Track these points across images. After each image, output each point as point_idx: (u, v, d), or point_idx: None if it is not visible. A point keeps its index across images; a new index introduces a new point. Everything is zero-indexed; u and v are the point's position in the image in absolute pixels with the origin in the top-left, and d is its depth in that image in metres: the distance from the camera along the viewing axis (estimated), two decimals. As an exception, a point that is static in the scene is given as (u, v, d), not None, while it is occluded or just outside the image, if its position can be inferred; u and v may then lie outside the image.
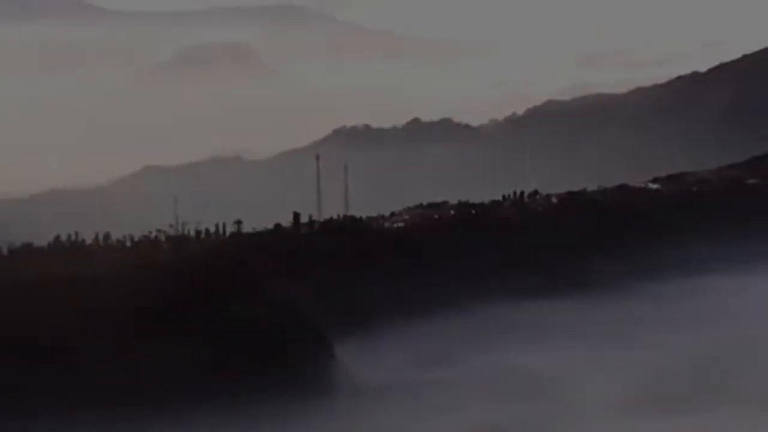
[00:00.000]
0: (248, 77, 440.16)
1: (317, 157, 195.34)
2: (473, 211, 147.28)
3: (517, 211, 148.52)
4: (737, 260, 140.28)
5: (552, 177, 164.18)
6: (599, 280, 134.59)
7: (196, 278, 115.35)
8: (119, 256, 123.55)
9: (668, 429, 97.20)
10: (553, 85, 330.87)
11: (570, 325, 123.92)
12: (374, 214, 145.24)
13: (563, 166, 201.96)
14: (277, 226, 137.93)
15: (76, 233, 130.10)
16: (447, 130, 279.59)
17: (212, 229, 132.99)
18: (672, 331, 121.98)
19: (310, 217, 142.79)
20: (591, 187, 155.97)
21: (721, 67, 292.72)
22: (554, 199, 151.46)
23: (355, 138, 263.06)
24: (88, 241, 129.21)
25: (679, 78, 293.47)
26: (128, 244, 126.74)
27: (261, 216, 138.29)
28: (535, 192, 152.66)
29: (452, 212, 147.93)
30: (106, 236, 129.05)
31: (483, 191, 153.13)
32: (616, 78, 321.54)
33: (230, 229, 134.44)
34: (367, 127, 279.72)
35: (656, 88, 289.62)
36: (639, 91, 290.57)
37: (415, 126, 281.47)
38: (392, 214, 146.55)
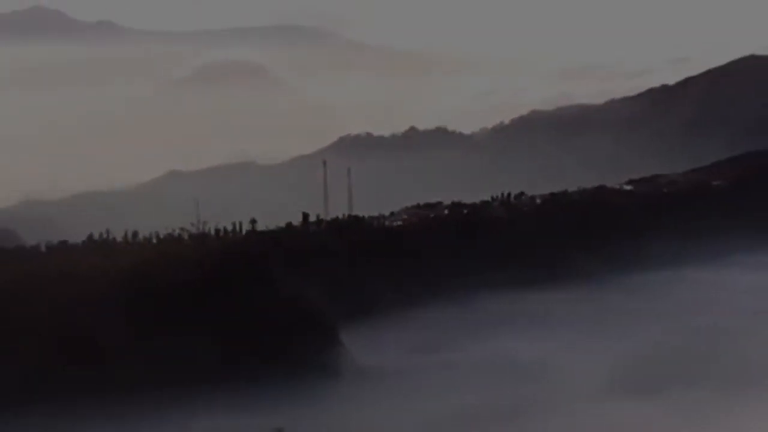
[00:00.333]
0: (261, 91, 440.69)
1: (324, 163, 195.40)
2: (465, 211, 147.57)
3: (505, 210, 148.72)
4: (705, 253, 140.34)
5: (536, 179, 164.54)
6: (579, 272, 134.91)
7: (216, 270, 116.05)
8: (146, 251, 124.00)
9: (646, 408, 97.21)
10: (537, 96, 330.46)
11: (553, 314, 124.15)
12: (375, 214, 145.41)
13: (546, 169, 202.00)
14: (288, 224, 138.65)
15: (108, 231, 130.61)
16: (441, 137, 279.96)
17: (230, 228, 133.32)
18: (648, 319, 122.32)
19: (318, 216, 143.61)
20: (572, 188, 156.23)
21: (687, 81, 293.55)
22: (538, 200, 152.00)
23: (358, 145, 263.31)
24: (119, 238, 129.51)
25: (650, 90, 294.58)
26: (154, 240, 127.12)
27: (273, 216, 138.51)
28: (521, 193, 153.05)
29: (446, 212, 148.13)
30: (135, 234, 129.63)
31: (474, 192, 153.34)
32: (594, 90, 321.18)
33: (246, 227, 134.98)
34: (368, 135, 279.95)
35: (630, 99, 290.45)
36: (614, 102, 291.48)
37: (413, 134, 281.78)
38: (392, 213, 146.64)
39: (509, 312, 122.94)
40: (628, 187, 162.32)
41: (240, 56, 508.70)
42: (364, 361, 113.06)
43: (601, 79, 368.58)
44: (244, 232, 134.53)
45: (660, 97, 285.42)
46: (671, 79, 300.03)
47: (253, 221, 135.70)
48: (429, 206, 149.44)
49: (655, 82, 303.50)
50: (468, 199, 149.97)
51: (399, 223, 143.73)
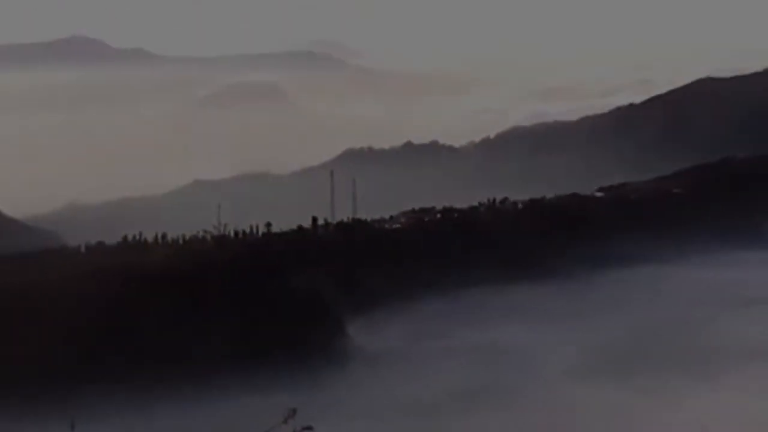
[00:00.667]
0: (275, 109, 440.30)
1: (331, 173, 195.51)
2: (456, 215, 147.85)
3: (491, 214, 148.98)
4: (667, 252, 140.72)
5: (518, 187, 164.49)
6: (556, 269, 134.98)
7: (235, 267, 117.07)
8: (174, 250, 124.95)
9: (612, 388, 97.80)
10: (518, 114, 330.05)
11: (532, 305, 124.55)
12: (377, 217, 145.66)
13: (527, 178, 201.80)
14: (299, 227, 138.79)
15: (140, 233, 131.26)
16: (434, 150, 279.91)
17: (248, 230, 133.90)
18: (617, 311, 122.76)
19: (325, 220, 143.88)
20: (549, 195, 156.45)
21: (652, 99, 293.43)
22: (520, 205, 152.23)
23: (361, 157, 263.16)
24: (150, 239, 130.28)
25: (618, 108, 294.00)
26: (181, 242, 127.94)
27: (286, 219, 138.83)
28: (505, 199, 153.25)
29: (439, 216, 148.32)
30: (164, 235, 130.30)
31: (463, 199, 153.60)
32: (568, 108, 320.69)
33: (262, 230, 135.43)
34: (370, 148, 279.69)
35: (600, 116, 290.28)
36: (586, 119, 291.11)
37: (409, 147, 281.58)
38: (391, 217, 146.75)
39: (494, 303, 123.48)
40: (599, 194, 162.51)
41: (257, 79, 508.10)
42: (367, 347, 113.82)
43: (574, 98, 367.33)
44: (260, 233, 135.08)
45: (627, 115, 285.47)
46: (637, 99, 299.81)
47: (269, 224, 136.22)
48: (423, 211, 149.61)
49: (623, 101, 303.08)
50: (458, 204, 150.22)
51: (398, 225, 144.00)
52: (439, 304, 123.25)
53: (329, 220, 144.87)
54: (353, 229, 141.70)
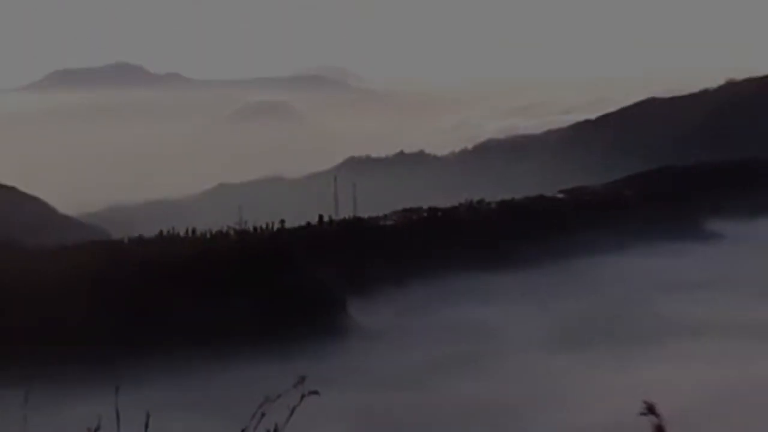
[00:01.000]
0: (288, 123, 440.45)
1: (335, 178, 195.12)
2: (439, 214, 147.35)
3: (469, 213, 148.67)
4: (620, 245, 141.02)
5: (492, 190, 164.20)
6: (523, 259, 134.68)
7: (254, 257, 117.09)
8: (202, 242, 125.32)
9: (574, 359, 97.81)
10: (492, 128, 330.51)
11: (504, 289, 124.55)
12: (373, 216, 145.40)
13: (499, 183, 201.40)
14: (308, 223, 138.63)
15: (173, 228, 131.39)
16: (421, 159, 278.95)
17: (264, 226, 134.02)
18: (575, 293, 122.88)
19: (330, 217, 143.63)
20: (518, 197, 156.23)
21: (605, 116, 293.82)
22: (493, 205, 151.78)
23: (360, 165, 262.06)
24: (181, 233, 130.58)
25: (577, 123, 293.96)
26: (208, 235, 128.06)
27: (297, 216, 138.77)
28: (481, 200, 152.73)
29: (425, 214, 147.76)
30: (193, 230, 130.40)
31: (446, 200, 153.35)
32: (534, 123, 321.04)
33: (277, 226, 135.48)
34: (368, 157, 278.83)
35: (561, 130, 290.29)
36: (550, 132, 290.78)
37: (401, 156, 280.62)
38: (385, 215, 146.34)
39: (471, 288, 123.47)
40: (561, 195, 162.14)
41: (272, 98, 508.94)
42: (364, 323, 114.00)
43: (539, 115, 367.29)
44: (275, 229, 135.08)
45: (583, 129, 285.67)
46: (592, 116, 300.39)
47: (282, 221, 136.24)
48: (412, 210, 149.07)
49: (580, 118, 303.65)
50: (441, 204, 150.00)
51: (391, 222, 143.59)
52: (425, 288, 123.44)
53: (333, 217, 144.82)
54: (353, 225, 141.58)
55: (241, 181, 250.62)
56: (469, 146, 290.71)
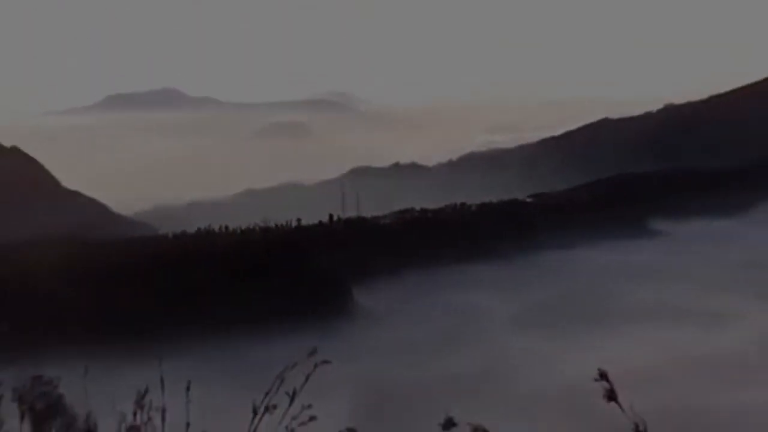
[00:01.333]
0: (301, 139, 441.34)
1: (342, 184, 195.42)
2: (429, 214, 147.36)
3: (454, 214, 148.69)
4: (580, 242, 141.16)
5: (473, 195, 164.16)
6: (499, 253, 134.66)
7: (275, 249, 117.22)
8: (233, 236, 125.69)
9: (541, 335, 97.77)
10: (473, 143, 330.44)
11: (484, 278, 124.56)
12: (374, 216, 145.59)
13: (478, 188, 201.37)
14: (320, 222, 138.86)
15: (209, 225, 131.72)
16: (414, 169, 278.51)
17: (284, 223, 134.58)
18: (544, 282, 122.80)
19: (338, 217, 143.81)
20: (494, 200, 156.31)
21: (567, 133, 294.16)
22: (474, 207, 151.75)
23: (363, 174, 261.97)
24: (216, 229, 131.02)
25: (544, 139, 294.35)
26: (238, 231, 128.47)
27: (311, 216, 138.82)
28: (463, 203, 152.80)
29: (417, 215, 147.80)
30: (226, 227, 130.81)
31: (434, 203, 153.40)
32: (508, 139, 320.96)
33: (294, 223, 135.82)
34: (369, 167, 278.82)
35: (531, 145, 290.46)
36: (521, 147, 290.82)
37: (396, 167, 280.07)
38: (384, 216, 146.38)
39: (457, 277, 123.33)
40: (530, 200, 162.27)
41: (289, 119, 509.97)
42: (368, 306, 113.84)
43: (512, 132, 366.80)
44: (293, 226, 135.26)
45: (549, 144, 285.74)
46: (556, 133, 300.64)
47: (299, 219, 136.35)
48: (406, 211, 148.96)
49: (546, 134, 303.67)
50: (431, 207, 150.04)
51: (388, 221, 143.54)
52: (418, 277, 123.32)
53: (341, 217, 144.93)
54: (357, 224, 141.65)
55: (265, 187, 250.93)
56: (454, 158, 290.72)
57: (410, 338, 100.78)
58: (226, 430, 8.04)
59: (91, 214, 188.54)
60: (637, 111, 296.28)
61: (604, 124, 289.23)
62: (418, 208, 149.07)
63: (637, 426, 4.37)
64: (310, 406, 7.36)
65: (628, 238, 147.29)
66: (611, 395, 4.39)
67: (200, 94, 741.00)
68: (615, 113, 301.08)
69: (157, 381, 8.52)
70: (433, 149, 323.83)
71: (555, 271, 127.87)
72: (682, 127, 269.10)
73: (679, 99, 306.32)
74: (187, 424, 8.32)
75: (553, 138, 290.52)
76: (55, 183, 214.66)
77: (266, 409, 7.43)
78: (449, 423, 4.46)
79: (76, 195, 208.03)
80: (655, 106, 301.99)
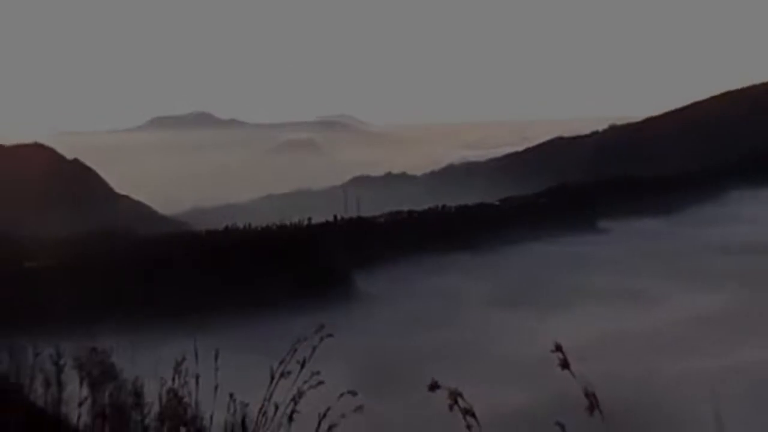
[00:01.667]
0: (311, 154, 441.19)
1: (344, 190, 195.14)
2: (416, 215, 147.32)
3: (436, 215, 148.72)
4: (538, 237, 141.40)
5: (451, 199, 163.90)
6: (473, 245, 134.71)
7: (290, 242, 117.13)
8: (255, 233, 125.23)
9: (508, 312, 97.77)
10: (451, 157, 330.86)
11: (461, 266, 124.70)
12: (371, 215, 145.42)
13: (456, 194, 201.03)
14: (327, 221, 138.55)
15: (235, 223, 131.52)
16: (404, 178, 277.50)
17: (297, 222, 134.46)
18: (511, 269, 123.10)
19: (342, 216, 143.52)
20: (469, 203, 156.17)
21: (527, 149, 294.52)
22: (453, 209, 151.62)
23: (362, 181, 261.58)
24: (241, 227, 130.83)
25: (509, 154, 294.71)
26: (259, 228, 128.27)
27: (319, 216, 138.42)
28: (444, 206, 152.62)
29: (406, 215, 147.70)
30: (249, 225, 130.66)
31: (420, 206, 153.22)
32: (480, 154, 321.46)
33: (305, 222, 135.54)
34: (367, 176, 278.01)
35: (497, 159, 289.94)
36: (490, 160, 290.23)
37: (389, 176, 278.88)
38: (379, 215, 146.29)
39: (438, 264, 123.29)
40: (497, 203, 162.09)
41: (300, 136, 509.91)
42: (365, 289, 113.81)
43: (483, 148, 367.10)
44: (305, 224, 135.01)
45: (513, 158, 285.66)
46: (519, 149, 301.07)
47: (310, 218, 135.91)
48: (397, 212, 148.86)
49: (511, 150, 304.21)
50: (417, 208, 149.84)
51: (382, 221, 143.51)
52: (407, 265, 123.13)
53: (344, 217, 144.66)
54: (357, 222, 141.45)
55: (281, 192, 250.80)
56: (436, 169, 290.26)
57: (401, 315, 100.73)
58: (248, 392, 7.99)
59: (138, 214, 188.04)
60: (585, 131, 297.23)
61: (559, 141, 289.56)
62: (407, 209, 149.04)
63: (585, 388, 4.33)
64: (318, 372, 7.34)
65: (578, 234, 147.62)
66: (564, 364, 4.36)
67: (228, 116, 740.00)
68: (567, 132, 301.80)
69: (191, 352, 8.49)
70: (419, 162, 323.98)
71: (518, 260, 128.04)
72: (622, 144, 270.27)
73: (620, 121, 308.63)
74: (216, 387, 8.29)
75: (517, 153, 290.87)
76: (109, 189, 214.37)
77: (281, 374, 7.41)
78: (434, 386, 4.41)
79: (126, 198, 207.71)
80: (600, 126, 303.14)
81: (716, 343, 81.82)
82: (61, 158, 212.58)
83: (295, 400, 7.34)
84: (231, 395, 7.81)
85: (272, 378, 7.45)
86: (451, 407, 4.38)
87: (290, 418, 7.30)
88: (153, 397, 9.08)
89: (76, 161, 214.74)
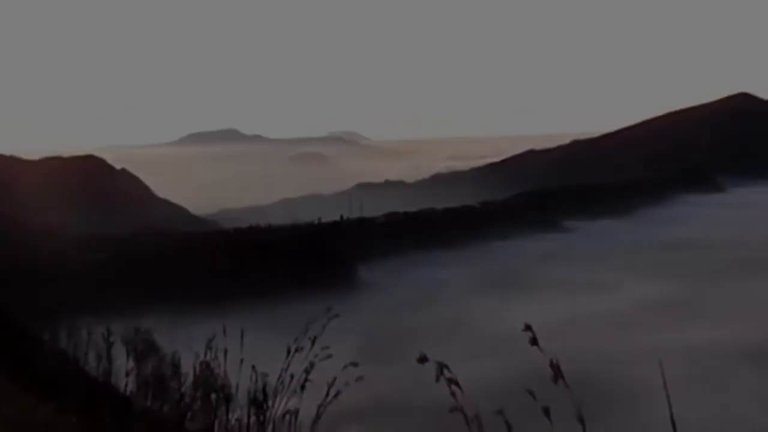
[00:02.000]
0: (321, 164, 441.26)
1: (349, 195, 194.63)
2: (409, 216, 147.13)
3: (426, 216, 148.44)
4: (513, 235, 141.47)
5: (439, 203, 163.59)
6: (458, 242, 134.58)
7: (302, 239, 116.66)
8: (273, 230, 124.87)
9: (488, 299, 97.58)
10: (438, 167, 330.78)
11: (447, 260, 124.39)
12: (372, 216, 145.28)
13: (443, 199, 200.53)
14: (334, 221, 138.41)
15: (258, 223, 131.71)
16: (399, 184, 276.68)
17: (309, 222, 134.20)
18: (490, 261, 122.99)
19: (347, 217, 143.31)
20: (455, 206, 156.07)
21: (504, 160, 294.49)
22: (440, 211, 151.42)
23: (364, 187, 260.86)
24: (262, 225, 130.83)
25: (489, 164, 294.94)
26: (277, 227, 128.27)
27: (328, 217, 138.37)
28: (433, 208, 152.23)
29: (402, 216, 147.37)
30: (269, 224, 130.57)
31: (413, 208, 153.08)
32: (463, 164, 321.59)
33: (315, 222, 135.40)
34: (369, 183, 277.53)
35: (477, 168, 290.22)
36: (472, 170, 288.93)
37: (387, 182, 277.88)
38: (378, 216, 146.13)
39: (429, 258, 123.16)
40: (478, 205, 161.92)
41: (312, 149, 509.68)
42: (367, 279, 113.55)
43: (465, 159, 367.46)
44: (315, 223, 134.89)
45: (492, 168, 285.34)
46: (497, 159, 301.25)
47: (319, 218, 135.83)
48: (393, 214, 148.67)
49: (490, 161, 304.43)
50: (411, 210, 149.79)
51: (382, 221, 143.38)
52: (402, 259, 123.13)
53: (349, 217, 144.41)
54: (361, 222, 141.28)
55: (296, 196, 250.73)
56: (426, 177, 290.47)
57: (397, 300, 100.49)
58: (268, 365, 8.03)
59: (176, 215, 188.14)
60: (552, 144, 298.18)
61: (530, 154, 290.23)
62: (402, 211, 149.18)
63: (551, 361, 4.38)
64: (327, 347, 7.39)
65: (546, 232, 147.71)
66: (534, 341, 4.40)
67: (252, 132, 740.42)
68: (537, 146, 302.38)
69: (220, 331, 8.53)
70: (412, 171, 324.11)
71: (496, 255, 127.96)
72: (583, 156, 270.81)
73: (581, 136, 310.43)
74: (241, 360, 8.34)
75: (495, 163, 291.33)
76: (151, 194, 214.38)
77: (296, 350, 7.47)
78: (423, 359, 4.45)
79: (166, 202, 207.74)
80: (565, 141, 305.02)
81: (661, 324, 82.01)
82: (111, 167, 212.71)
83: (307, 370, 7.42)
84: (253, 367, 7.86)
85: (288, 352, 7.54)
86: (437, 378, 4.41)
87: (303, 386, 7.39)
88: (188, 368, 9.10)
89: (123, 170, 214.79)
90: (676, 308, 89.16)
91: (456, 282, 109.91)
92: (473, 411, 4.40)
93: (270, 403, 7.49)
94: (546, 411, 4.32)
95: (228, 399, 8.19)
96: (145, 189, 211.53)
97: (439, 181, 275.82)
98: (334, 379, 6.96)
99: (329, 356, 7.18)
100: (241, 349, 8.12)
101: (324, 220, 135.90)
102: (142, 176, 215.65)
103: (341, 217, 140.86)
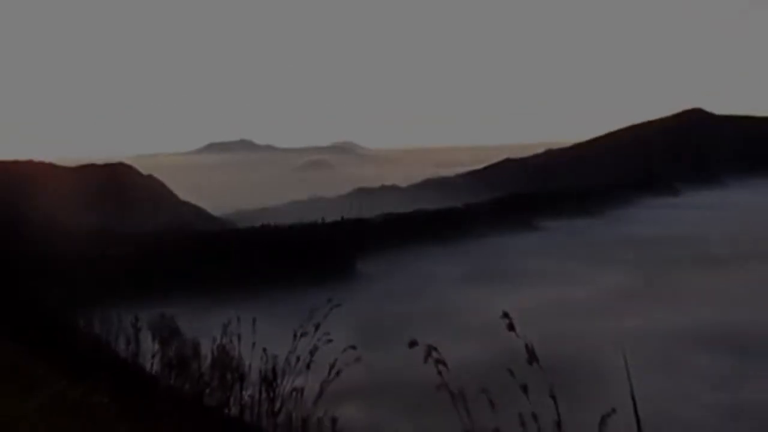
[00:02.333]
0: (325, 171, 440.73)
1: (349, 198, 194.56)
2: (402, 216, 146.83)
3: (417, 216, 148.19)
4: (490, 234, 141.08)
5: (429, 204, 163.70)
6: (447, 239, 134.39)
7: (309, 237, 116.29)
8: (284, 229, 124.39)
9: (472, 289, 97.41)
10: (428, 173, 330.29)
11: (438, 255, 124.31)
12: (369, 217, 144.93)
13: (433, 201, 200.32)
14: (336, 221, 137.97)
15: (270, 222, 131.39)
16: (394, 189, 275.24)
17: (314, 221, 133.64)
18: (476, 256, 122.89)
19: (347, 218, 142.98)
20: (442, 207, 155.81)
21: (486, 168, 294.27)
22: (430, 212, 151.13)
23: (363, 192, 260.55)
24: (272, 225, 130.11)
25: (470, 171, 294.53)
26: (286, 226, 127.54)
27: (332, 217, 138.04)
28: (423, 209, 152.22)
29: (395, 216, 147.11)
30: (279, 224, 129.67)
31: (406, 209, 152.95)
32: (449, 171, 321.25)
33: (320, 221, 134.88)
34: (366, 187, 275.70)
35: (462, 175, 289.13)
36: (459, 175, 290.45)
37: (383, 187, 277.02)
38: (375, 217, 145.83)
39: (421, 253, 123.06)
40: (462, 207, 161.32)
41: (317, 157, 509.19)
42: (365, 271, 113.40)
43: (451, 167, 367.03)
44: (320, 223, 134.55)
45: (474, 175, 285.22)
46: (478, 167, 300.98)
47: (323, 219, 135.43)
48: (389, 214, 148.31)
49: (472, 168, 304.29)
50: (404, 212, 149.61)
51: (378, 221, 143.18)
52: (396, 254, 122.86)
53: (349, 217, 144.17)
54: (359, 222, 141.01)
55: (302, 199, 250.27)
56: (417, 182, 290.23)
57: (392, 291, 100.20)
58: (276, 348, 8.01)
59: (197, 215, 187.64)
60: (529, 153, 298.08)
61: (508, 162, 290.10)
62: (395, 212, 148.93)
63: (526, 345, 4.37)
64: (328, 333, 7.38)
65: (522, 231, 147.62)
66: (511, 327, 4.39)
67: (264, 142, 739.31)
68: (515, 155, 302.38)
69: (235, 318, 8.51)
70: (404, 177, 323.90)
71: (479, 250, 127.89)
72: (556, 163, 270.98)
73: (555, 145, 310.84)
74: (253, 344, 8.33)
75: (477, 171, 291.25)
76: (175, 197, 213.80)
77: (301, 335, 7.46)
78: (413, 343, 4.43)
79: (187, 204, 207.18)
80: (540, 149, 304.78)
81: (624, 311, 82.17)
82: (139, 173, 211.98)
83: (311, 353, 7.40)
84: (264, 350, 7.86)
85: (294, 337, 7.53)
86: (425, 359, 4.41)
87: (308, 367, 7.39)
88: (207, 351, 9.08)
89: (150, 176, 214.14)
90: (636, 296, 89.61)
91: (444, 274, 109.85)
92: (458, 388, 4.40)
93: (279, 381, 7.52)
94: (524, 388, 4.33)
95: (242, 378, 8.22)
96: (170, 193, 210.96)
97: (429, 185, 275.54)
98: (335, 360, 6.96)
99: (330, 341, 7.19)
100: (253, 334, 8.12)
101: (327, 220, 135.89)
102: (166, 181, 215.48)
103: (342, 217, 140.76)
